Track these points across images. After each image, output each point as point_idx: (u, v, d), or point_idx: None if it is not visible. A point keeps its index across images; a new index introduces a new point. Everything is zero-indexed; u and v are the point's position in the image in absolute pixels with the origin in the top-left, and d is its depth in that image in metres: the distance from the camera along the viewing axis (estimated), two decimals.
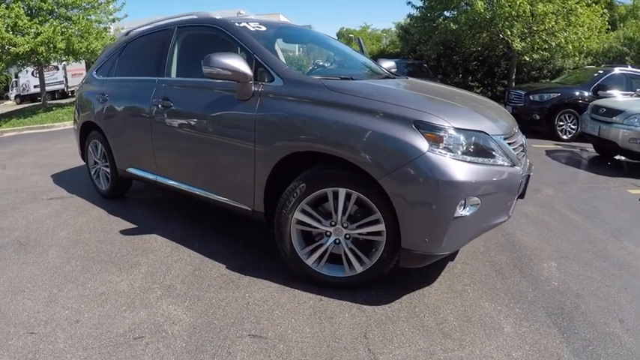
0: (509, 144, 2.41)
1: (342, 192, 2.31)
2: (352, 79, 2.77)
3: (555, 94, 8.51)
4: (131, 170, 3.83)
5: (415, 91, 2.82)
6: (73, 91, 16.73)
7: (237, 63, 2.50)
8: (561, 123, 8.41)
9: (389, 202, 2.23)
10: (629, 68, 9.04)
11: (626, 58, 12.44)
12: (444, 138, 2.15)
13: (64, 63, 14.52)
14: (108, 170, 4.21)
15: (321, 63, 3.77)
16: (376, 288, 2.56)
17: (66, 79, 18.41)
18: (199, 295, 2.51)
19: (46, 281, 2.70)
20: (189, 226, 3.54)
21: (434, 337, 2.18)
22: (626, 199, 4.78)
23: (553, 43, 11.92)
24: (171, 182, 3.35)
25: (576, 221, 3.91)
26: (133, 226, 3.61)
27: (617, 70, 8.67)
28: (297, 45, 4.08)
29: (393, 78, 3.30)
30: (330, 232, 2.44)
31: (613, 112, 6.12)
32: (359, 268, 2.45)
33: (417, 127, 2.15)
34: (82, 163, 4.88)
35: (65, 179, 5.21)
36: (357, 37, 4.99)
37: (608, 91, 8.10)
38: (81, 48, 11.92)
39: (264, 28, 3.09)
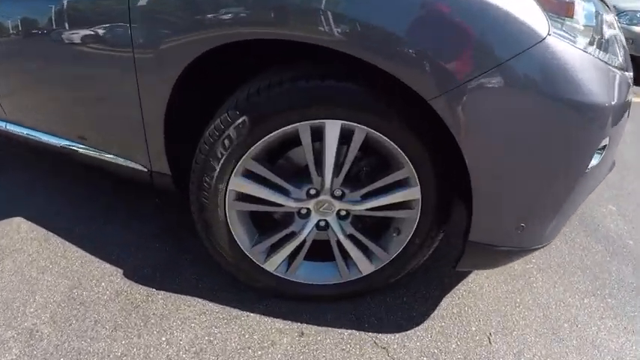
0: None
1: (334, 127, 0.96)
2: None
3: None
4: None
5: None
6: None
7: None
8: None
9: (432, 146, 0.95)
10: None
11: None
12: (574, 8, 0.87)
13: None
14: None
15: None
16: (392, 294, 1.34)
17: None
18: (80, 350, 1.18)
19: None
20: (67, 196, 2.03)
21: None
22: (632, 109, 3.78)
23: None
24: (22, 131, 1.82)
25: None
26: None
27: None
28: None
29: None
30: (309, 210, 1.12)
31: None
32: (367, 268, 1.20)
33: None
34: None
35: None
36: None
37: None
38: None
39: None
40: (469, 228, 0.98)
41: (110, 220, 1.78)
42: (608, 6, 1.08)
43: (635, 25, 4.69)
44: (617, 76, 0.95)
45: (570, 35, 0.86)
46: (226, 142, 0.98)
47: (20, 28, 1.52)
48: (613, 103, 0.90)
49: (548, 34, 0.81)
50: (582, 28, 0.90)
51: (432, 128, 0.94)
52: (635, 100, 4.08)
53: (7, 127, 1.96)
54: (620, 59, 1.02)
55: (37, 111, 1.74)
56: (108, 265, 1.51)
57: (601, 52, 0.92)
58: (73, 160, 1.78)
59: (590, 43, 0.90)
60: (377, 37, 0.83)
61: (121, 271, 1.48)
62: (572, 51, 0.84)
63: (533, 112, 0.84)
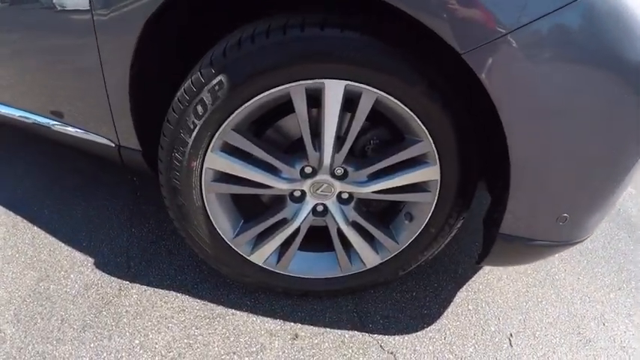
0: None
1: (336, 90, 0.74)
2: None
3: None
4: None
5: None
6: None
7: None
8: None
9: (456, 115, 0.73)
10: None
11: None
12: None
13: None
14: None
15: None
16: (400, 289, 1.15)
17: None
18: (44, 353, 1.00)
19: None
20: (37, 176, 1.80)
21: None
22: None
23: None
24: None
25: None
26: None
27: None
28: None
29: None
30: (303, 193, 0.91)
31: None
32: (372, 260, 1.00)
33: None
34: None
35: None
36: None
37: None
38: None
39: None
40: (500, 218, 0.78)
41: (82, 202, 1.56)
42: None
43: None
44: None
45: None
46: (199, 108, 0.76)
47: None
48: None
49: None
50: None
51: (461, 94, 0.73)
52: None
53: None
54: None
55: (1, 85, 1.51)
56: (78, 254, 1.31)
57: None
58: (44, 138, 1.56)
59: None
60: None
61: (92, 260, 1.28)
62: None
63: (589, 74, 0.63)
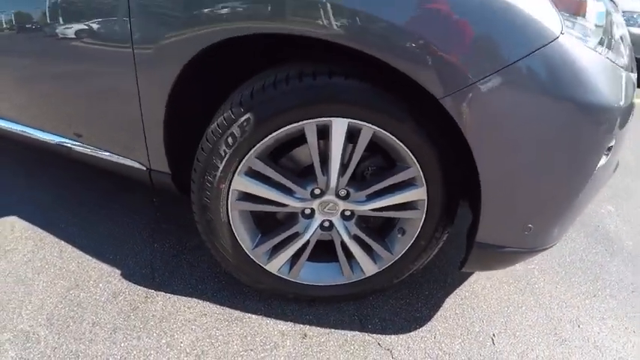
0: None
1: (341, 126, 0.94)
2: None
3: None
4: None
5: None
6: None
7: None
8: None
9: (439, 146, 0.95)
10: None
11: None
12: (587, 7, 0.87)
13: None
14: None
15: None
16: (395, 295, 1.33)
17: None
18: (78, 352, 1.15)
19: None
20: (62, 195, 1.99)
21: None
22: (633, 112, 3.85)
23: None
24: (11, 127, 1.78)
25: None
26: None
27: None
28: None
29: None
30: (313, 210, 1.10)
31: None
32: (371, 269, 1.18)
33: None
34: None
35: None
36: None
37: None
38: None
39: None
40: (476, 229, 0.97)
41: (106, 219, 1.74)
42: (616, 5, 1.07)
43: (632, 26, 4.72)
44: (624, 77, 0.94)
45: (582, 34, 0.85)
46: (230, 140, 0.96)
47: (14, 23, 1.48)
48: (621, 104, 0.89)
49: (561, 33, 0.80)
50: (593, 27, 0.89)
51: (441, 128, 0.93)
52: (636, 101, 4.17)
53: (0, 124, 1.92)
54: (626, 59, 1.02)
55: (31, 108, 1.70)
56: (105, 266, 1.48)
57: (610, 52, 0.92)
58: (68, 158, 1.75)
59: (600, 43, 0.89)
60: (388, 33, 0.82)
61: (118, 271, 1.45)
62: (584, 51, 0.83)
63: (544, 111, 0.83)
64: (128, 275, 1.43)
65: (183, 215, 1.74)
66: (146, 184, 1.38)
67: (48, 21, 1.31)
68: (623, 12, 4.73)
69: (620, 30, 1.03)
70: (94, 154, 1.45)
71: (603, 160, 0.96)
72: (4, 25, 1.52)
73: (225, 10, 0.90)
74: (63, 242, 1.64)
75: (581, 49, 0.83)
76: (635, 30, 4.68)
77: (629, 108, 0.96)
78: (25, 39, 1.45)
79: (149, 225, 1.68)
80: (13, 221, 1.81)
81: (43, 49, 1.37)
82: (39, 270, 1.50)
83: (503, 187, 0.90)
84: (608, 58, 0.89)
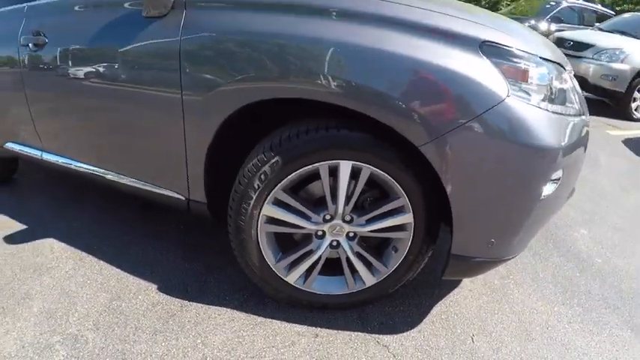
0: None
1: (346, 167, 1.28)
2: None
3: None
4: (10, 146, 2.48)
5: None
6: None
7: None
8: None
9: (421, 180, 1.27)
10: (580, 1, 8.47)
11: None
12: (529, 73, 1.18)
13: None
14: None
15: None
16: (391, 303, 1.63)
17: None
18: (124, 350, 1.43)
19: None
20: (97, 220, 2.31)
21: None
22: (610, 142, 4.32)
23: None
24: (61, 160, 2.10)
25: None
26: (20, 226, 2.33)
27: (567, 3, 8.04)
28: None
29: None
30: (324, 232, 1.42)
31: (582, 45, 5.44)
32: (370, 280, 1.49)
33: (488, 53, 1.16)
34: None
35: None
36: None
37: (562, 24, 7.47)
38: None
39: None
40: (451, 244, 1.29)
41: (139, 242, 2.05)
42: (562, 65, 1.40)
43: (615, 62, 5.14)
44: (569, 122, 1.28)
45: (526, 95, 1.19)
46: (262, 176, 1.29)
47: (66, 66, 1.83)
48: (563, 144, 1.22)
49: (508, 96, 1.15)
50: (536, 87, 1.23)
51: (422, 168, 1.26)
52: (612, 133, 4.54)
53: (43, 156, 2.25)
54: (576, 106, 1.36)
55: (77, 143, 2.04)
56: (142, 281, 1.78)
57: (553, 105, 1.25)
58: (109, 188, 2.07)
59: (543, 99, 1.23)
60: (378, 98, 1.16)
61: (155, 286, 1.75)
62: (526, 107, 1.17)
63: (497, 154, 1.16)
64: (164, 289, 1.73)
65: (207, 240, 2.05)
66: (182, 211, 1.70)
67: (101, 67, 1.66)
68: (607, 49, 5.17)
69: (566, 84, 1.36)
70: (138, 185, 1.77)
71: (552, 188, 1.29)
72: (58, 70, 1.87)
73: (272, 74, 1.24)
74: (102, 261, 1.94)
75: (524, 106, 1.16)
76: (618, 65, 5.12)
77: (574, 145, 1.29)
78: (77, 82, 1.79)
79: (179, 247, 1.99)
80: (51, 243, 2.12)
81: (101, 93, 1.71)
82: (81, 284, 1.79)
83: (469, 211, 1.23)
84: (548, 110, 1.22)
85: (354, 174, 1.30)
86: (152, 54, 1.49)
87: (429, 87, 1.15)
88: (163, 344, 1.47)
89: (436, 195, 1.31)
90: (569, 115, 1.31)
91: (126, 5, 1.59)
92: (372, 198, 1.39)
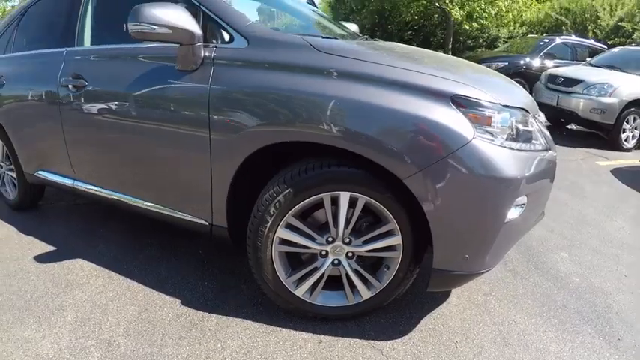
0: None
1: (345, 197, 1.60)
2: (335, 38, 2.01)
3: (502, 62, 8.22)
4: (42, 174, 2.83)
5: (422, 55, 2.11)
6: None
7: (180, 17, 1.68)
8: None
9: (407, 208, 1.59)
10: (573, 37, 9.00)
11: (563, 28, 12.51)
12: (492, 119, 1.51)
13: None
14: (14, 175, 3.16)
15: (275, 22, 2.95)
16: (386, 315, 1.91)
17: None
18: (153, 353, 1.71)
19: None
20: (122, 243, 2.63)
21: None
22: (599, 173, 4.61)
23: (492, 12, 11.75)
24: (92, 189, 2.43)
25: (564, 200, 3.64)
26: (50, 248, 2.65)
27: (560, 39, 8.57)
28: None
29: (376, 41, 2.58)
30: (327, 252, 1.72)
31: (571, 81, 5.85)
32: (366, 294, 1.78)
33: (457, 104, 1.49)
34: None
35: None
36: None
37: (556, 60, 7.95)
38: None
39: None
40: (433, 260, 1.59)
41: (162, 263, 2.37)
42: (526, 110, 1.71)
43: (603, 96, 5.50)
44: (534, 156, 1.60)
45: (490, 136, 1.51)
46: (277, 204, 1.61)
47: (104, 106, 2.19)
48: (526, 174, 1.54)
49: (474, 137, 1.47)
50: (499, 130, 1.55)
51: (407, 197, 1.57)
52: (601, 164, 4.86)
53: (75, 184, 2.58)
54: (542, 143, 1.69)
55: (110, 173, 2.38)
56: (167, 296, 2.07)
57: (516, 143, 1.57)
58: (131, 213, 2.39)
59: (507, 139, 1.55)
60: (371, 141, 1.50)
61: (178, 300, 2.04)
62: (490, 145, 1.49)
63: (468, 183, 1.48)
64: (186, 302, 2.02)
65: (223, 262, 2.36)
66: (203, 235, 2.01)
67: (143, 110, 2.01)
68: (595, 84, 5.56)
69: (534, 126, 1.69)
70: (165, 212, 2.08)
71: (517, 212, 1.59)
72: (105, 112, 2.22)
73: (287, 121, 1.59)
74: (129, 279, 2.23)
75: (487, 145, 1.49)
76: (606, 99, 5.48)
77: (537, 175, 1.60)
78: (121, 123, 2.14)
79: (198, 268, 2.30)
80: (80, 262, 2.43)
81: (135, 130, 2.05)
82: (111, 298, 2.09)
83: (446, 231, 1.54)
84: (512, 147, 1.54)
85: (352, 203, 1.62)
86: (185, 100, 1.84)
87: (410, 132, 1.49)
88: (188, 347, 1.75)
89: (419, 219, 1.61)
90: (534, 150, 1.63)
91: (161, 60, 1.95)
92: (367, 223, 1.70)
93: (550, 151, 1.76)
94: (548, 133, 1.89)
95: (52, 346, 1.76)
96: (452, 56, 2.77)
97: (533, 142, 1.66)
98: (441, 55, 2.57)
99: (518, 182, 1.53)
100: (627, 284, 2.34)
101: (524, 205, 1.61)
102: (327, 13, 19.39)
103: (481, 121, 1.52)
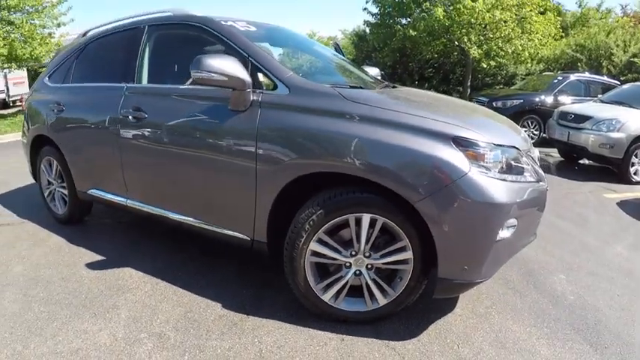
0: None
1: (367, 218, 2.01)
2: (361, 88, 2.47)
3: (518, 100, 8.65)
4: (94, 192, 3.31)
5: (432, 101, 2.55)
6: (14, 101, 15.08)
7: (234, 67, 2.14)
8: (524, 129, 8.58)
9: (417, 228, 1.98)
10: (586, 74, 9.40)
11: (579, 64, 12.99)
12: (485, 156, 1.91)
13: (5, 70, 12.95)
14: (65, 192, 3.65)
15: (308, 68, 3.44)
16: (399, 320, 2.28)
17: (7, 88, 16.26)
18: (200, 345, 2.10)
19: (6, 334, 2.18)
20: (166, 256, 3.07)
21: None
22: (605, 204, 4.88)
23: (509, 50, 12.25)
24: (146, 208, 2.88)
25: (568, 230, 3.94)
26: (99, 257, 3.09)
27: (574, 76, 8.98)
28: (280, 48, 3.71)
29: (393, 87, 3.03)
30: (350, 264, 2.12)
31: (581, 117, 6.23)
32: (382, 301, 2.16)
33: (457, 144, 1.91)
34: (32, 182, 4.25)
35: (13, 202, 4.48)
36: (334, 43, 4.65)
37: (569, 97, 8.34)
38: (24, 54, 10.75)
39: (253, 29, 2.72)
40: (437, 270, 1.97)
41: (204, 273, 2.79)
42: (518, 148, 2.13)
43: (612, 131, 5.85)
44: (525, 187, 1.99)
45: (485, 169, 1.92)
46: (311, 222, 2.04)
47: (161, 136, 2.65)
48: (517, 200, 1.93)
49: (470, 170, 1.88)
50: (492, 164, 1.96)
51: (417, 219, 1.97)
52: (609, 196, 5.17)
53: (128, 203, 3.03)
54: (534, 176, 2.09)
55: (161, 194, 2.83)
56: (209, 301, 2.48)
57: (508, 175, 1.98)
58: (172, 230, 2.82)
59: (499, 171, 1.96)
60: (389, 173, 1.92)
61: (220, 304, 2.44)
62: (483, 176, 1.90)
63: (466, 207, 1.87)
64: (227, 306, 2.42)
65: (258, 273, 2.77)
66: (246, 250, 2.42)
67: (197, 141, 2.47)
68: (604, 120, 5.92)
69: (524, 161, 2.10)
70: (208, 227, 2.51)
71: (509, 232, 1.97)
72: (161, 142, 2.68)
73: (321, 155, 2.03)
74: (174, 286, 2.65)
75: (482, 176, 1.89)
76: (614, 134, 5.82)
77: (527, 202, 2.00)
78: (176, 152, 2.61)
79: (236, 278, 2.73)
80: (129, 270, 2.87)
81: (188, 159, 2.52)
82: (160, 300, 2.50)
83: (448, 246, 1.93)
84: (505, 179, 1.94)
85: (372, 223, 2.03)
86: (235, 135, 2.30)
87: (419, 166, 1.91)
88: (229, 341, 2.14)
89: (427, 238, 2.00)
90: (525, 182, 2.03)
91: (215, 100, 2.42)
92: (384, 240, 2.10)
93: (540, 182, 2.15)
94: (539, 168, 2.29)
95: (109, 337, 2.17)
96: (461, 100, 3.21)
97: (525, 174, 2.05)
98: (450, 99, 3.02)
99: (508, 207, 1.92)
100: (619, 302, 2.64)
101: (514, 226, 1.99)
102: (350, 51, 20.17)
103: (477, 157, 1.93)
